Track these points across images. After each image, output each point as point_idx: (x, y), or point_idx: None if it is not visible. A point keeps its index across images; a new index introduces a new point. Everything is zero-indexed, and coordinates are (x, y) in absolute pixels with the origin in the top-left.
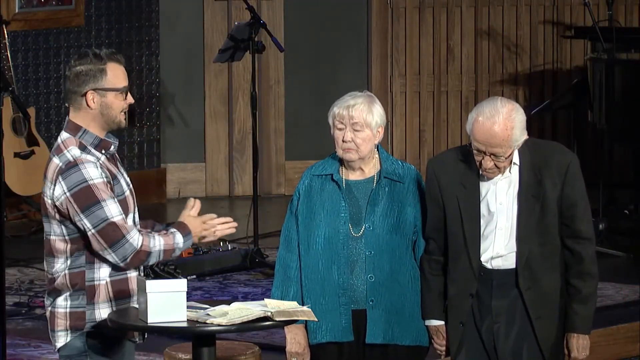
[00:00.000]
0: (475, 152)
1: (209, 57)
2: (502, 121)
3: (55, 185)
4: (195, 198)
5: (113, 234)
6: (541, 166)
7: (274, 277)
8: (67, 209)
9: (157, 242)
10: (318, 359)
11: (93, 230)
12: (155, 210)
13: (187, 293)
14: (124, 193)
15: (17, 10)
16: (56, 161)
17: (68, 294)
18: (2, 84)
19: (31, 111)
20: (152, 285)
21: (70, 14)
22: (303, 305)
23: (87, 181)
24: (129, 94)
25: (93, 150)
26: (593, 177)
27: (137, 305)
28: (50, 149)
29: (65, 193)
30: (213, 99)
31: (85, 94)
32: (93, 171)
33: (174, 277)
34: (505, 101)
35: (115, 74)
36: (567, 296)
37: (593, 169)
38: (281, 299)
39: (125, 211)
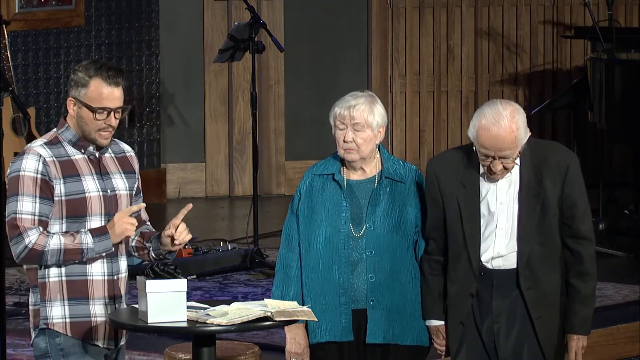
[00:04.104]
0: (482, 158)
1: (209, 57)
2: (508, 125)
3: None
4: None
5: (12, 229)
6: (541, 166)
7: (275, 276)
8: None
9: (54, 242)
10: (318, 358)
11: (6, 220)
12: (155, 210)
13: (187, 293)
14: (82, 193)
15: (17, 10)
16: None
17: (32, 289)
18: (2, 84)
19: (31, 111)
20: (152, 285)
21: (70, 14)
22: (303, 304)
23: (19, 171)
24: (111, 115)
25: (68, 147)
26: (593, 177)
27: (137, 305)
28: None
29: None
30: (213, 99)
31: (68, 98)
32: (30, 164)
33: (174, 277)
34: (505, 103)
35: (97, 92)
36: (566, 296)
37: (593, 169)
38: (281, 298)
39: (74, 212)
